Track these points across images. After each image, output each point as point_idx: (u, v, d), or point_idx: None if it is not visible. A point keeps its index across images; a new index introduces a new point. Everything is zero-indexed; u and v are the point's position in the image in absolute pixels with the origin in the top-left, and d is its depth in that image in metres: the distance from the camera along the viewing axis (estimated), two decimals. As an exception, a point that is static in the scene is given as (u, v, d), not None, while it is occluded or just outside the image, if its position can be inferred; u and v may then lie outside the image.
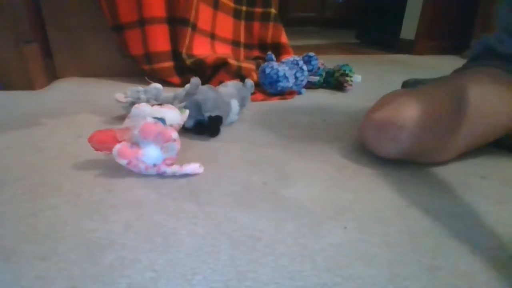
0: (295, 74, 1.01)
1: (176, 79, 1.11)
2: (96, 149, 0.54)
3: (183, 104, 0.69)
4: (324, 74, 1.12)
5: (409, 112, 0.54)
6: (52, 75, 1.13)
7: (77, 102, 0.91)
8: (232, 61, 1.06)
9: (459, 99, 0.55)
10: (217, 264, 0.37)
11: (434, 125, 0.54)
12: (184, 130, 0.69)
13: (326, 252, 0.39)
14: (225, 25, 1.23)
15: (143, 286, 0.34)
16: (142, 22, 1.07)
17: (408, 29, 2.06)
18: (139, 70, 1.13)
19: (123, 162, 0.51)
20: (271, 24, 1.28)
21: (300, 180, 0.54)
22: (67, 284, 0.34)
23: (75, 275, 0.35)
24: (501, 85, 0.58)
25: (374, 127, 0.58)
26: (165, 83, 1.06)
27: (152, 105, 0.59)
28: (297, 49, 1.48)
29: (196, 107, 0.68)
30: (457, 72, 0.64)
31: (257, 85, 1.00)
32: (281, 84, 0.98)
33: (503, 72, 0.59)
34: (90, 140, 0.53)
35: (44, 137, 0.68)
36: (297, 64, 1.01)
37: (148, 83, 0.79)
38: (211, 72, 1.09)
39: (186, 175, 0.54)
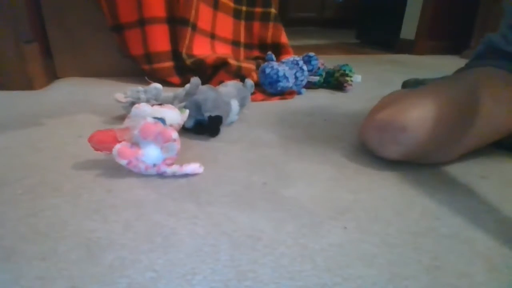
0: (295, 74, 1.01)
1: (176, 79, 1.11)
2: (96, 149, 0.54)
3: (183, 104, 0.69)
4: (324, 74, 1.12)
5: (411, 113, 0.54)
6: (52, 75, 1.13)
7: (77, 102, 0.91)
8: (232, 61, 1.06)
9: (460, 101, 0.55)
10: (217, 264, 0.37)
11: (436, 126, 0.54)
12: (184, 130, 0.69)
13: (326, 252, 0.39)
14: (225, 25, 1.23)
15: (143, 286, 0.34)
16: (142, 22, 1.07)
17: (408, 29, 2.06)
18: (139, 70, 1.13)
19: (123, 162, 0.51)
20: (271, 24, 1.28)
21: (300, 180, 0.54)
22: (67, 284, 0.34)
23: (75, 275, 0.35)
24: (503, 86, 0.58)
25: (375, 128, 0.58)
26: (165, 83, 1.06)
27: (152, 105, 0.59)
28: (297, 49, 1.48)
29: (196, 107, 0.68)
30: (459, 72, 0.64)
31: (257, 85, 1.00)
32: (281, 84, 0.98)
33: (506, 73, 0.59)
34: (90, 140, 0.53)
35: (44, 137, 0.68)
36: (297, 64, 1.01)
37: (148, 83, 0.79)
38: (211, 72, 1.09)
39: (186, 175, 0.54)
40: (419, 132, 0.53)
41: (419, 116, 0.54)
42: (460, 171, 0.59)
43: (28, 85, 1.00)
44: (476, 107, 0.55)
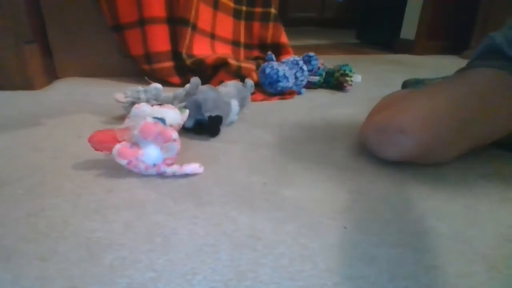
0: (295, 74, 1.01)
1: (176, 79, 1.11)
2: (96, 149, 0.54)
3: (183, 104, 0.69)
4: (324, 74, 1.12)
5: (409, 115, 0.54)
6: (52, 75, 1.13)
7: (77, 102, 0.91)
8: (232, 61, 1.06)
9: (459, 102, 0.55)
10: (217, 264, 0.37)
11: (435, 127, 0.54)
12: (184, 130, 0.69)
13: (326, 252, 0.39)
14: (225, 25, 1.23)
15: (143, 286, 0.34)
16: (142, 22, 1.07)
17: (408, 29, 2.06)
18: (139, 70, 1.13)
19: (123, 162, 0.51)
20: (271, 24, 1.28)
21: (300, 180, 0.54)
22: (67, 284, 0.34)
23: (75, 275, 0.35)
24: (503, 86, 0.58)
25: (374, 130, 0.58)
26: (165, 83, 1.06)
27: (152, 105, 0.59)
28: (297, 49, 1.48)
29: (196, 107, 0.68)
30: (460, 72, 0.64)
31: (257, 85, 1.00)
32: (281, 84, 0.98)
33: (506, 74, 0.58)
34: (90, 140, 0.53)
35: (44, 137, 0.68)
36: (297, 64, 1.01)
37: (148, 83, 0.79)
38: (211, 72, 1.09)
39: (186, 175, 0.54)
40: (418, 133, 0.53)
41: (417, 118, 0.54)
42: (460, 171, 0.59)
43: (28, 85, 1.00)
44: (475, 108, 0.55)
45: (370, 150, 0.61)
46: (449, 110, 0.54)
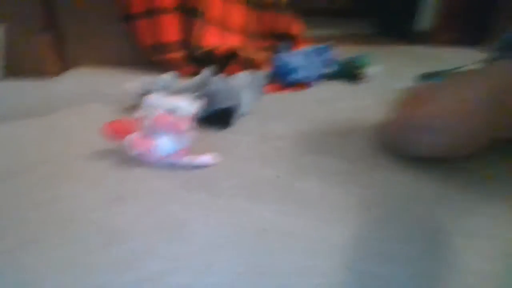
0: (307, 65, 0.99)
1: (186, 70, 1.11)
2: (110, 139, 0.54)
3: (195, 94, 0.69)
4: (337, 65, 1.10)
5: (438, 111, 0.52)
6: (65, 64, 1.13)
7: (90, 92, 0.92)
8: (243, 52, 1.04)
9: (491, 95, 0.53)
10: (229, 256, 0.36)
11: (468, 122, 0.52)
12: (196, 121, 0.69)
13: (339, 247, 0.38)
14: (236, 15, 1.21)
15: (156, 276, 0.34)
16: (152, 12, 1.06)
17: (424, 20, 2.00)
18: (149, 60, 1.13)
19: (136, 152, 0.51)
20: (283, 14, 1.26)
21: (313, 174, 0.54)
22: (80, 273, 0.34)
23: (88, 263, 0.35)
24: None
25: (404, 128, 0.57)
26: (176, 73, 1.05)
27: (165, 96, 0.59)
28: (310, 40, 1.45)
29: (207, 98, 0.68)
30: (487, 64, 0.62)
31: (269, 76, 0.98)
32: (293, 75, 0.96)
33: None
34: (103, 129, 0.53)
35: (57, 126, 0.69)
36: (310, 55, 0.99)
37: (161, 73, 0.79)
38: (223, 62, 1.08)
39: (198, 167, 0.54)
40: (451, 130, 0.51)
41: (449, 113, 0.52)
42: (477, 167, 0.57)
43: (41, 74, 1.01)
44: (503, 100, 0.53)
45: (395, 148, 0.59)
46: (479, 104, 0.52)
